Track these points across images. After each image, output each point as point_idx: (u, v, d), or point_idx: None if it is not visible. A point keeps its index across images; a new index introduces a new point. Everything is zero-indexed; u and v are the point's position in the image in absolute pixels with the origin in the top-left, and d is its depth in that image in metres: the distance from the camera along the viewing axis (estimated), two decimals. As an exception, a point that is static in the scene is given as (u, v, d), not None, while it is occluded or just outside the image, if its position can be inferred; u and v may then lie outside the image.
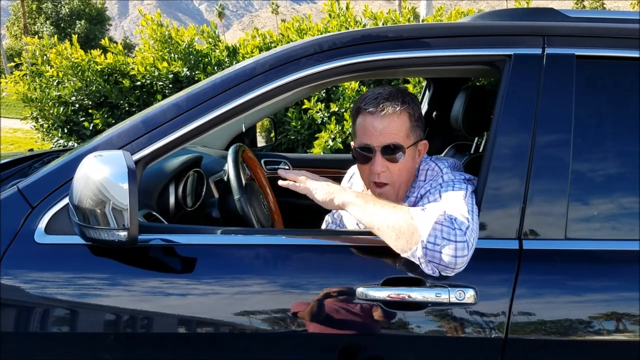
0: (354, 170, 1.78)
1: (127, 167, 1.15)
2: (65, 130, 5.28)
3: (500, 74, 1.34)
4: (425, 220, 1.17)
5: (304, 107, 4.48)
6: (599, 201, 1.31)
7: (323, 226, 1.78)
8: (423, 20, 6.35)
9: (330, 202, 1.33)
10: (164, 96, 5.02)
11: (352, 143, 1.51)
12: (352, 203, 1.30)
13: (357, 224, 1.58)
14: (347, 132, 4.33)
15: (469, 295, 1.20)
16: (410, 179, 1.47)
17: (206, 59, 5.01)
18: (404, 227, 1.18)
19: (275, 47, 4.85)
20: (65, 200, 1.28)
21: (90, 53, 5.22)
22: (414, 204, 1.41)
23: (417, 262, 1.18)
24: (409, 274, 1.23)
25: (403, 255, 1.20)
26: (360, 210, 1.28)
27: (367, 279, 1.24)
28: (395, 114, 1.39)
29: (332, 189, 1.36)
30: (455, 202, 1.23)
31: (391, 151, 1.39)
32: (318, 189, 1.36)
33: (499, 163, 1.28)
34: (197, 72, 4.90)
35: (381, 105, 1.39)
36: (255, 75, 1.36)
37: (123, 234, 1.16)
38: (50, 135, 5.37)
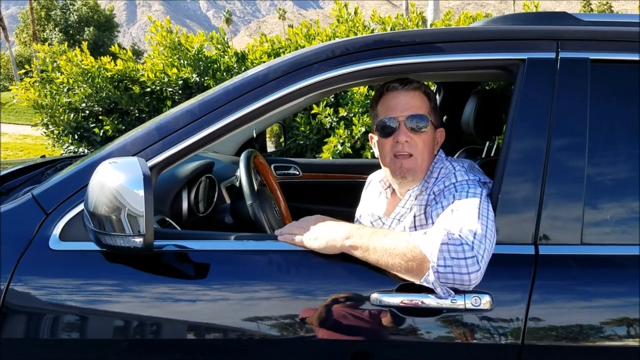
0: (371, 177, 1.79)
1: (143, 174, 1.15)
2: (76, 137, 5.32)
3: (514, 78, 1.33)
4: (431, 243, 1.13)
5: (312, 112, 4.48)
6: (615, 205, 1.30)
7: None
8: (431, 25, 6.34)
9: (330, 250, 1.26)
10: (174, 102, 5.04)
11: (370, 135, 1.57)
12: (352, 248, 1.23)
13: (372, 222, 1.57)
14: (356, 137, 4.32)
15: (484, 301, 1.19)
16: (431, 158, 1.49)
17: (215, 65, 5.03)
18: (411, 257, 1.15)
19: (283, 52, 4.87)
20: (80, 207, 1.29)
21: (100, 60, 5.26)
22: (427, 203, 1.41)
23: (431, 287, 1.16)
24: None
25: (417, 283, 1.18)
26: (363, 252, 1.22)
27: (381, 285, 1.23)
28: (418, 90, 1.48)
29: (328, 237, 1.25)
30: (465, 211, 1.21)
31: (415, 122, 1.43)
32: (312, 240, 1.27)
33: (514, 167, 1.28)
34: (206, 78, 4.92)
35: (405, 82, 1.48)
36: (268, 81, 1.36)
37: (139, 240, 1.16)
38: (61, 141, 5.41)
